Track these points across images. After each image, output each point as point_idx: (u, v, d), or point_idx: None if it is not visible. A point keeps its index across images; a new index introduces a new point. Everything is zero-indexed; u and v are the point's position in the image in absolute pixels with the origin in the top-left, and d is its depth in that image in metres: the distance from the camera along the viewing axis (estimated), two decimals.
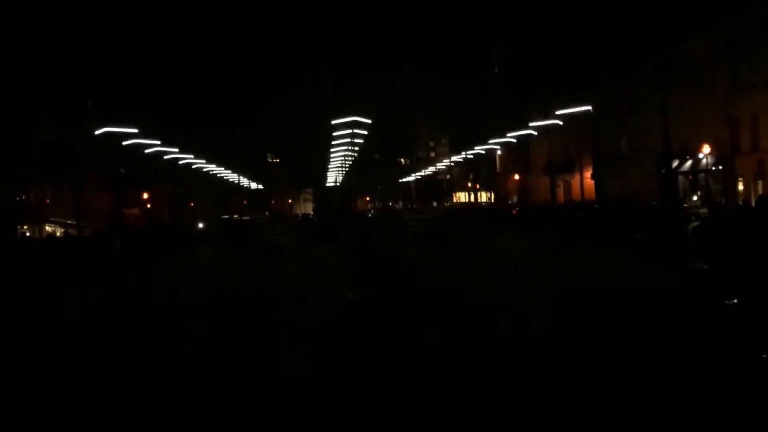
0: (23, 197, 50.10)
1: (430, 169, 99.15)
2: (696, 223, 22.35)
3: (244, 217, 69.24)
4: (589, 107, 47.01)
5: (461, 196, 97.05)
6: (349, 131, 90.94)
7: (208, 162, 70.92)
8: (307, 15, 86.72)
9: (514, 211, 50.43)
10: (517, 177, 69.91)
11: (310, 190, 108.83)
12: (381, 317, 8.73)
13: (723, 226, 18.85)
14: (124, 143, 51.62)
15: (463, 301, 13.25)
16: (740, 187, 38.06)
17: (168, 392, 6.27)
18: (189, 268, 26.28)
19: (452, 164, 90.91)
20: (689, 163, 41.52)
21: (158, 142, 54.54)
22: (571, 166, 57.10)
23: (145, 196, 64.40)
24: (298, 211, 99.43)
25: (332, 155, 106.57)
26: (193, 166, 65.95)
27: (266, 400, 5.88)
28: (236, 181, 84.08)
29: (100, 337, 8.97)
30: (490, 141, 65.82)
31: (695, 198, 40.98)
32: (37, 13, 48.80)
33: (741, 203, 31.51)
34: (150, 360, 7.66)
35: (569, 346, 6.37)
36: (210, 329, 9.48)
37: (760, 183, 36.06)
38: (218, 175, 79.66)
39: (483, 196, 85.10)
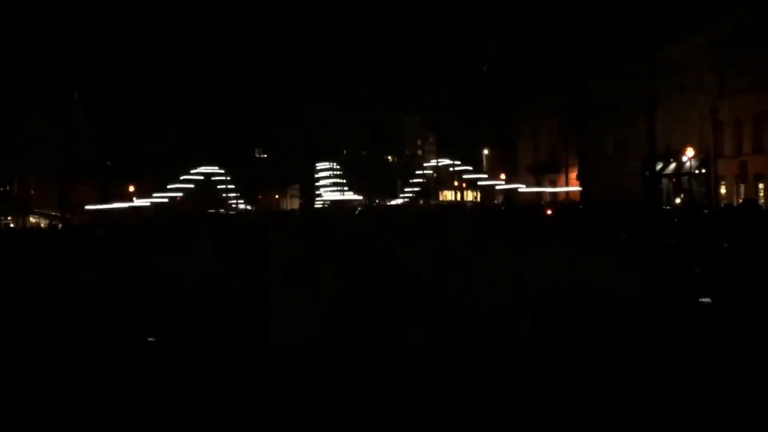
0: (7, 188, 49.69)
1: (420, 169, 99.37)
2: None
3: (230, 212, 69.05)
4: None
5: (448, 195, 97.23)
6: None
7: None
8: (300, 8, 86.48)
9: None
10: (503, 177, 70.19)
11: (297, 186, 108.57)
12: (372, 313, 8.78)
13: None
14: None
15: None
16: (722, 190, 38.47)
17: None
18: (175, 262, 26.14)
19: (438, 163, 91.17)
20: (673, 165, 41.90)
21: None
22: (557, 166, 57.47)
23: (131, 188, 64.08)
24: (285, 207, 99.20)
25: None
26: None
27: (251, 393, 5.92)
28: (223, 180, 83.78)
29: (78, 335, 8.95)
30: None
31: (678, 200, 41.38)
32: (20, 6, 48.44)
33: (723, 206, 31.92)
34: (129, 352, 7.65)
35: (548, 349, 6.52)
36: (194, 323, 9.49)
37: (742, 186, 36.46)
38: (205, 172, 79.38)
39: (469, 195, 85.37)
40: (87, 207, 46.10)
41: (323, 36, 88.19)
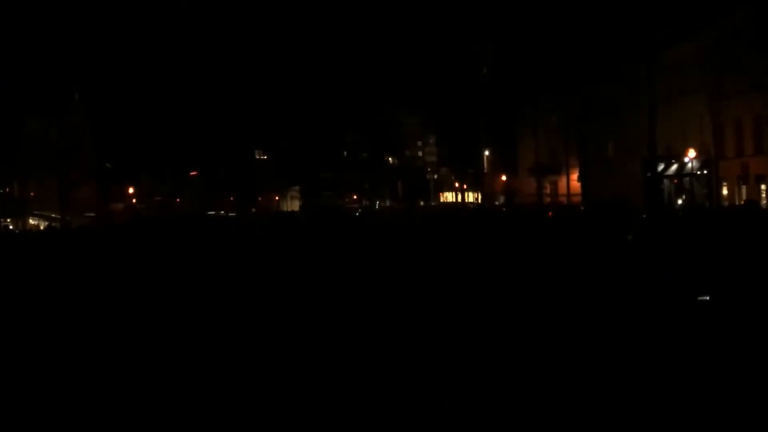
0: (6, 190, 49.72)
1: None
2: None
3: (230, 214, 68.97)
4: None
5: (448, 196, 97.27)
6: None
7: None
8: (298, 10, 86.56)
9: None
10: (504, 178, 70.16)
11: (297, 187, 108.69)
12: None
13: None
14: None
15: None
16: (724, 191, 38.44)
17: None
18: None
19: (438, 165, 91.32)
20: (675, 166, 41.85)
21: None
22: (558, 168, 57.40)
23: (131, 190, 64.10)
24: (285, 208, 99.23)
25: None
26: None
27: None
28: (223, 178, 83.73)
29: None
30: None
31: (680, 201, 41.33)
32: (21, 7, 48.41)
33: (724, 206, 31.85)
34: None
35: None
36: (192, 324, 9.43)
37: (744, 187, 36.43)
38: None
39: (470, 196, 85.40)
40: (87, 214, 46.27)
41: (323, 36, 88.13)
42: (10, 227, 46.51)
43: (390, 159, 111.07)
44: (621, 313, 8.46)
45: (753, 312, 8.25)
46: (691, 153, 38.34)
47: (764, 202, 33.32)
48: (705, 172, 39.56)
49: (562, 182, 56.55)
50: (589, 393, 5.72)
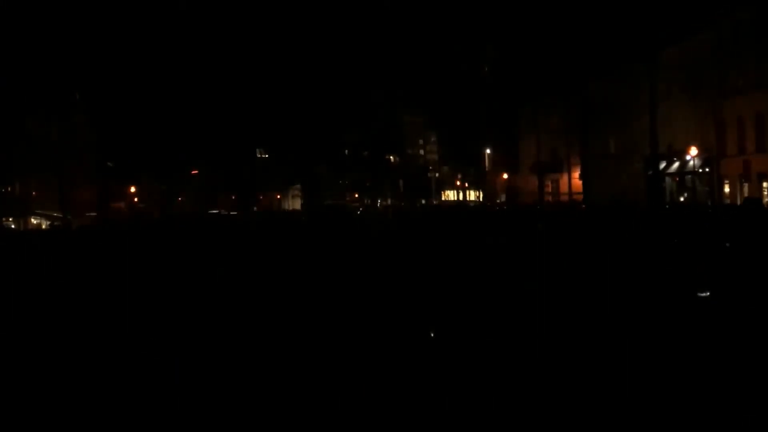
0: (8, 189, 49.75)
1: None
2: None
3: (232, 213, 68.97)
4: None
5: (450, 195, 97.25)
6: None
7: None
8: (298, 10, 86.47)
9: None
10: (505, 176, 70.09)
11: (298, 186, 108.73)
12: None
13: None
14: None
15: None
16: (726, 189, 38.38)
17: None
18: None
19: (440, 163, 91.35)
20: (676, 164, 41.80)
21: None
22: (560, 166, 57.37)
23: (132, 189, 64.13)
24: (286, 207, 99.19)
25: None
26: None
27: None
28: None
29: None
30: None
31: (681, 199, 41.29)
32: (21, 7, 48.40)
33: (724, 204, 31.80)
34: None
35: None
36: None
37: (746, 185, 36.37)
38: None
39: (471, 195, 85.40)
40: (88, 214, 46.35)
41: (323, 36, 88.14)
42: (12, 226, 46.54)
43: (391, 157, 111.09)
44: (622, 308, 8.44)
45: (753, 308, 8.24)
46: (693, 151, 38.29)
47: (766, 200, 33.26)
48: (707, 170, 39.52)
49: (564, 180, 56.50)
50: (589, 387, 5.70)
